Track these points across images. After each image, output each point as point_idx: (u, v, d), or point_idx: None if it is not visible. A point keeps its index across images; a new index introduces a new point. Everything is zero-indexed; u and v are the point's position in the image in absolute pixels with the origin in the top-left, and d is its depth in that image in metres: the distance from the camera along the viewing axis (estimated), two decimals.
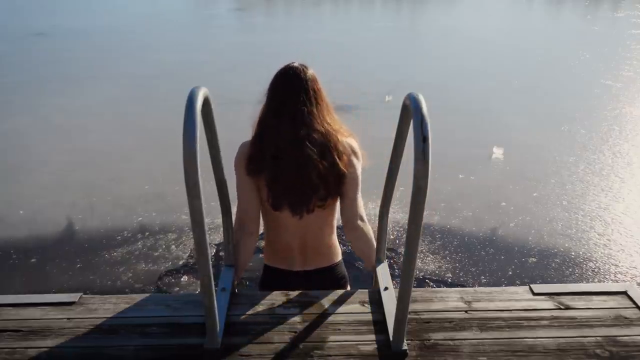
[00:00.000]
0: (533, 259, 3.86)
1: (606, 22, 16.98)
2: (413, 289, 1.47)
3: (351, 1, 22.41)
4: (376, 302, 1.80)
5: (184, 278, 3.59)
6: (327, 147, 1.90)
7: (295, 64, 2.00)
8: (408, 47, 12.51)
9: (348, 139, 1.99)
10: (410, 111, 1.36)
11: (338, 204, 2.03)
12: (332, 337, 1.63)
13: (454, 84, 8.64)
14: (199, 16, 17.74)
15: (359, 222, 1.97)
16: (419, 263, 3.70)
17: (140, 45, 11.98)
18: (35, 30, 13.13)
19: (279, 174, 1.91)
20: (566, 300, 1.81)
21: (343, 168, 1.92)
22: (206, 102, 1.44)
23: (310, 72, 1.98)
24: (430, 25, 16.55)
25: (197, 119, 1.28)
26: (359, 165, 2.00)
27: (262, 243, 2.19)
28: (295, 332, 1.65)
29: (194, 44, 12.24)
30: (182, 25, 15.24)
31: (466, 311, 1.76)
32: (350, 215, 1.96)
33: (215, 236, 3.87)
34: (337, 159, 1.91)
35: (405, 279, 1.44)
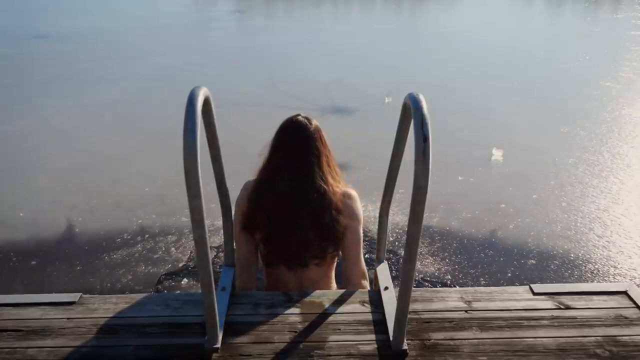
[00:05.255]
0: (532, 260, 3.86)
1: (606, 23, 17.00)
2: (413, 288, 1.48)
3: (351, 3, 22.43)
4: (376, 302, 1.80)
5: (184, 281, 3.59)
6: (324, 207, 1.89)
7: (300, 118, 1.96)
8: (408, 48, 12.52)
9: (347, 197, 1.96)
10: (411, 111, 1.36)
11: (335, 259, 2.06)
12: (332, 337, 1.63)
13: (453, 86, 8.65)
14: (198, 18, 17.75)
15: (363, 281, 1.97)
16: (418, 265, 3.70)
17: (140, 47, 11.99)
18: (35, 32, 13.14)
19: (274, 233, 1.93)
20: (566, 300, 1.81)
21: (340, 228, 1.91)
22: (206, 102, 1.44)
23: (314, 126, 1.94)
24: (430, 27, 16.56)
25: (198, 119, 1.28)
26: (358, 225, 1.97)
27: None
28: (295, 332, 1.65)
29: (194, 45, 12.24)
30: (182, 27, 15.24)
31: (466, 311, 1.76)
32: (352, 275, 1.97)
33: (215, 238, 3.87)
34: (334, 219, 1.90)
35: (406, 279, 1.44)
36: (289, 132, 1.94)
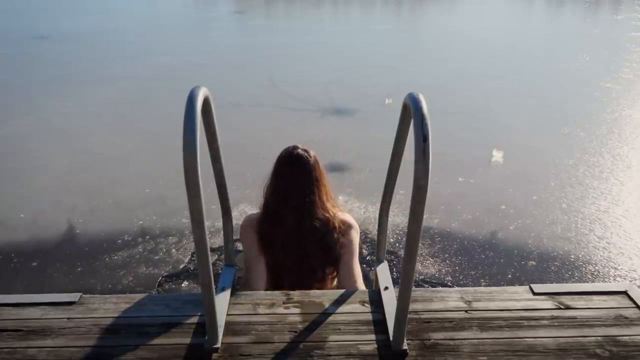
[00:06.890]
0: (533, 262, 3.86)
1: (606, 24, 16.99)
2: (413, 288, 1.48)
3: (351, 3, 22.43)
4: (376, 302, 1.80)
5: (185, 282, 3.59)
6: (327, 232, 2.02)
7: (299, 150, 2.05)
8: (408, 49, 12.52)
9: (346, 222, 2.10)
10: (411, 111, 1.36)
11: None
12: (332, 337, 1.63)
13: (453, 86, 8.64)
14: (198, 18, 17.75)
15: (357, 284, 2.04)
16: (418, 266, 3.70)
17: (140, 47, 11.99)
18: (35, 32, 13.14)
19: (282, 260, 2.02)
20: (566, 300, 1.81)
21: (339, 248, 2.04)
22: (206, 102, 1.44)
23: (313, 158, 2.05)
24: (430, 27, 16.56)
25: (198, 119, 1.29)
26: (355, 236, 2.10)
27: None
28: (295, 332, 1.65)
29: (194, 46, 12.25)
30: (182, 27, 15.24)
31: (466, 311, 1.76)
32: (348, 279, 2.04)
33: (215, 239, 3.87)
34: (335, 242, 2.03)
35: (405, 279, 1.44)
36: (290, 165, 2.03)
